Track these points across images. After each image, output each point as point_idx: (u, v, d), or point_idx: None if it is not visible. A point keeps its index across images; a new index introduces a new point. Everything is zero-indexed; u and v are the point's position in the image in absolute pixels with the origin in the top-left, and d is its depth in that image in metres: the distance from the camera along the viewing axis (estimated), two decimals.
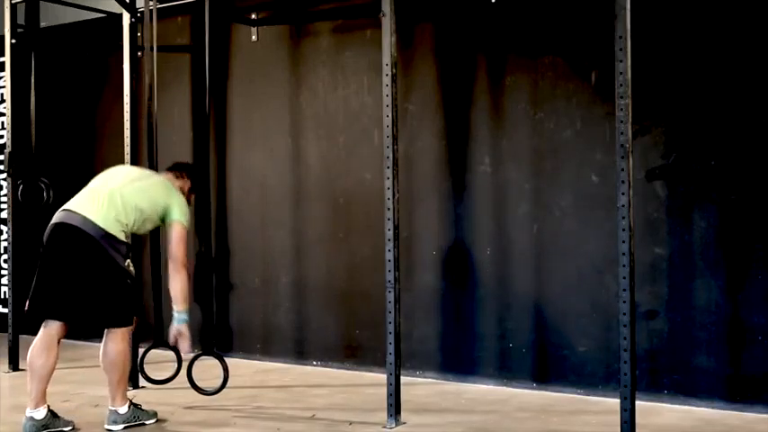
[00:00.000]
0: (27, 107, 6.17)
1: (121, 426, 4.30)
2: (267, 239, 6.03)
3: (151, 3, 5.16)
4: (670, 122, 4.65)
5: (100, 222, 4.14)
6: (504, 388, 5.08)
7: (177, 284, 4.34)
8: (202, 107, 6.20)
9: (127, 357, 4.35)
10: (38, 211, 6.43)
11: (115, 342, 4.27)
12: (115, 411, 4.32)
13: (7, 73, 5.91)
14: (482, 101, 5.20)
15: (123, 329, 4.29)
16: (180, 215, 4.35)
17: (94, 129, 6.89)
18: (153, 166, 5.22)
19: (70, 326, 4.31)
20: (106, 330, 4.30)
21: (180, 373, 4.87)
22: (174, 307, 4.37)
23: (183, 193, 4.51)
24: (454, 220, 5.29)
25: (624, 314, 3.67)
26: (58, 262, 4.18)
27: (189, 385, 4.75)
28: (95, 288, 4.18)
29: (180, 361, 4.90)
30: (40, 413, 4.23)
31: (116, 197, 4.23)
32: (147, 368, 4.93)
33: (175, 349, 4.95)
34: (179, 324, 4.37)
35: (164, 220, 4.39)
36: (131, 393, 5.01)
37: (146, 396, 4.93)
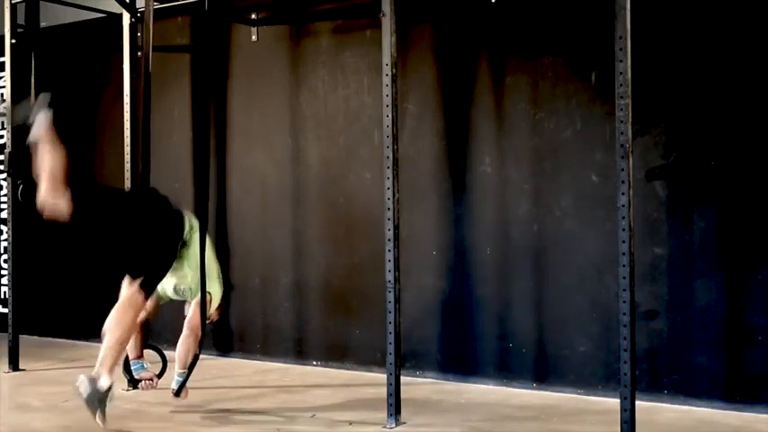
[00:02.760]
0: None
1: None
2: (267, 239, 6.03)
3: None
4: (670, 122, 4.65)
5: None
6: (504, 388, 5.08)
7: (183, 348, 4.51)
8: (202, 107, 6.22)
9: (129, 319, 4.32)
10: (38, 211, 6.44)
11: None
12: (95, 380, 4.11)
13: (7, 73, 5.91)
14: (482, 101, 5.20)
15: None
16: (212, 287, 4.56)
17: (94, 129, 6.89)
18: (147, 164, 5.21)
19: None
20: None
21: (165, 374, 4.87)
22: (176, 368, 4.54)
23: None
24: (454, 220, 5.29)
25: (624, 314, 3.67)
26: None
27: (192, 386, 4.75)
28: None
29: (165, 361, 4.89)
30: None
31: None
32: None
33: (158, 349, 4.95)
34: (176, 385, 4.52)
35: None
36: (131, 393, 5.01)
37: (144, 395, 4.92)
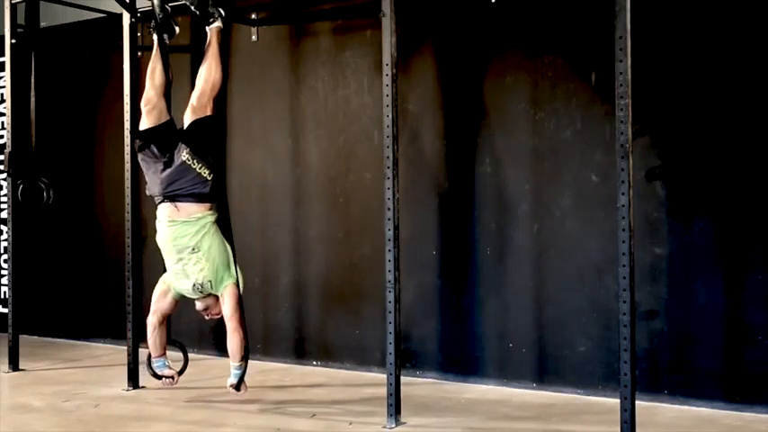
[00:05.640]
0: (27, 107, 6.17)
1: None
2: (267, 239, 6.03)
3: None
4: (670, 122, 4.65)
5: None
6: (504, 388, 5.08)
7: (234, 342, 4.61)
8: None
9: None
10: (38, 211, 6.46)
11: None
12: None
13: (7, 73, 5.91)
14: (482, 101, 5.20)
15: None
16: (234, 273, 4.65)
17: (94, 129, 6.89)
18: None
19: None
20: None
21: (186, 370, 4.90)
22: (231, 363, 4.62)
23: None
24: (454, 220, 5.29)
25: (624, 314, 3.67)
26: None
27: (193, 386, 4.77)
28: None
29: (186, 358, 4.89)
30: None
31: None
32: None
33: (182, 346, 4.97)
34: (235, 378, 4.59)
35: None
36: (132, 393, 5.02)
37: (146, 394, 4.93)
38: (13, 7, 5.91)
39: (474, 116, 5.22)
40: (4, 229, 7.28)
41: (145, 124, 4.67)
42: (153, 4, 4.69)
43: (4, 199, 7.12)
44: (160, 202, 4.61)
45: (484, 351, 5.20)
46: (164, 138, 4.62)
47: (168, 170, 4.56)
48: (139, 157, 4.70)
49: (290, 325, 5.93)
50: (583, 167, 4.87)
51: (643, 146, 4.64)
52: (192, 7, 4.76)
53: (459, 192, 5.27)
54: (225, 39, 6.05)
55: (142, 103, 4.74)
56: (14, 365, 5.79)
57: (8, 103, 5.93)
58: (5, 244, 6.95)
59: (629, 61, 3.67)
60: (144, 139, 4.64)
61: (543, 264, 5.01)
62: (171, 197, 4.56)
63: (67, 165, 7.01)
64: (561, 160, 4.94)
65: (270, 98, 6.01)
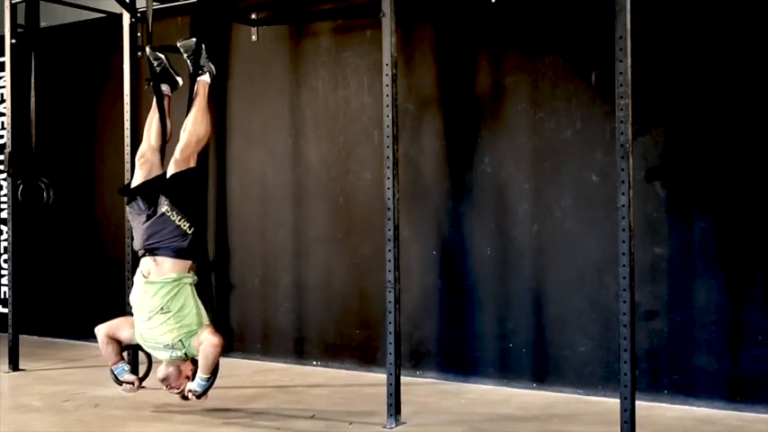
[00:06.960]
0: (27, 107, 6.18)
1: None
2: (267, 239, 6.03)
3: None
4: (670, 122, 4.65)
5: None
6: (504, 388, 5.08)
7: (211, 356, 4.39)
8: None
9: None
10: (38, 211, 6.46)
11: None
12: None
13: (7, 73, 5.91)
14: (482, 101, 5.20)
15: None
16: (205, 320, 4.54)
17: (94, 129, 6.89)
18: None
19: None
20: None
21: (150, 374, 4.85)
22: (200, 373, 4.41)
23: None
24: (454, 220, 5.29)
25: (624, 314, 3.67)
26: None
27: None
28: None
29: (150, 363, 4.86)
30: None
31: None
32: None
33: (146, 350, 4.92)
34: (201, 388, 4.41)
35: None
36: (130, 393, 5.01)
37: (143, 395, 4.92)
38: (13, 7, 5.91)
39: (474, 116, 5.22)
40: (4, 229, 7.28)
41: (137, 177, 4.66)
42: (147, 54, 4.68)
43: (4, 199, 7.12)
44: (142, 256, 4.53)
45: (484, 351, 5.20)
46: (149, 191, 4.59)
47: (149, 222, 4.50)
48: (127, 210, 4.71)
49: (290, 325, 5.93)
50: (583, 167, 4.87)
51: (643, 146, 4.64)
52: (186, 55, 4.76)
53: (459, 192, 5.27)
54: (225, 39, 6.08)
55: (136, 156, 4.72)
56: (14, 365, 5.79)
57: (8, 103, 5.93)
58: (5, 244, 6.95)
59: (629, 61, 3.67)
60: (129, 196, 4.64)
61: (543, 264, 5.01)
62: (150, 250, 4.48)
63: (67, 165, 7.01)
64: (561, 160, 4.94)
65: (270, 98, 6.01)
